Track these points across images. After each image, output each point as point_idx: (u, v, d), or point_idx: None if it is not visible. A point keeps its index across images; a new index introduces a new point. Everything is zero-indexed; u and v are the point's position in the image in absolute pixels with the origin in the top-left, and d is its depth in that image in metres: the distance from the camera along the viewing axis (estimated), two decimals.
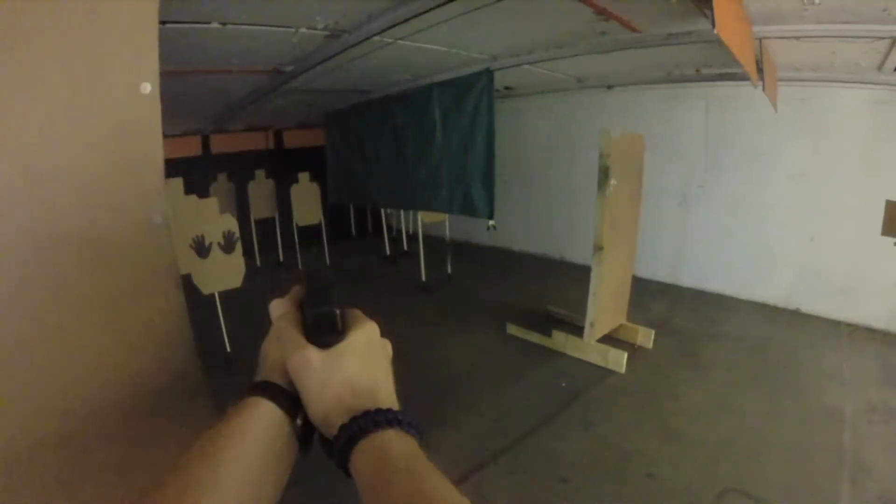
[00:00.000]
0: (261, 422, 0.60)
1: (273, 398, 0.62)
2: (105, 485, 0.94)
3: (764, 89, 4.03)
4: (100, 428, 0.91)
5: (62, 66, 0.83)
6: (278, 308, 0.72)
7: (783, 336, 5.13)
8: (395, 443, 0.57)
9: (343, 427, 0.58)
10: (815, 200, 5.47)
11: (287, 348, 0.65)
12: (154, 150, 0.93)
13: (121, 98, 0.89)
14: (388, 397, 0.65)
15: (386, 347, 0.72)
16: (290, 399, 0.63)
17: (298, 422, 0.64)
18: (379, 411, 0.59)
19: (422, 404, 4.08)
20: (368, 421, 0.58)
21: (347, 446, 0.57)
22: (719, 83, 5.76)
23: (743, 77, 3.90)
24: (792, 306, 5.76)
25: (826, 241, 5.46)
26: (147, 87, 0.91)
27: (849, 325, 5.28)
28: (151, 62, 0.92)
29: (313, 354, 0.63)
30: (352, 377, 0.63)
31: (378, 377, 0.67)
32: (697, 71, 5.65)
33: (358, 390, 0.63)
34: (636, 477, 3.19)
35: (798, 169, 5.52)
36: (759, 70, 3.86)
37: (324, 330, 0.66)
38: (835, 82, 5.07)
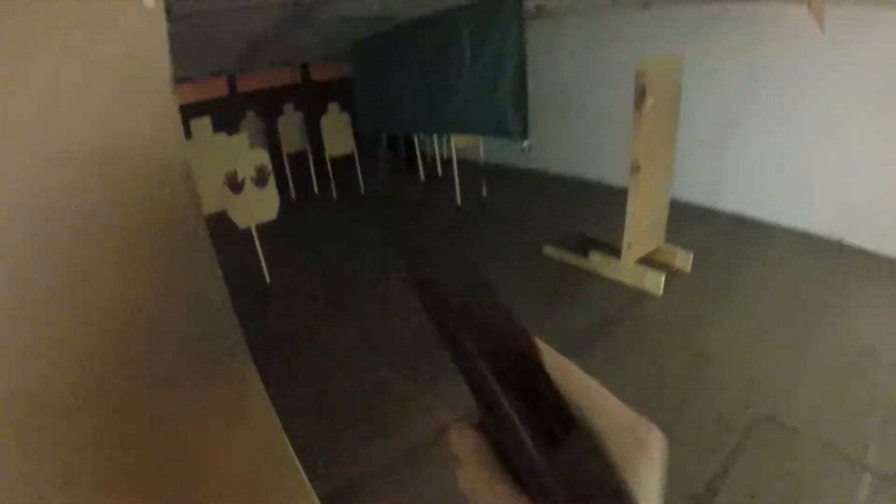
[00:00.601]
0: None
1: None
2: (143, 436, 0.93)
3: (810, 7, 3.79)
4: (132, 375, 0.90)
5: None
6: (461, 442, 0.36)
7: (823, 268, 4.92)
8: None
9: None
10: (859, 129, 5.11)
11: None
12: (162, 62, 0.92)
13: (126, 14, 0.87)
14: None
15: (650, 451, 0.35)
16: None
17: None
18: None
19: None
20: None
21: None
22: (763, 2, 5.39)
23: None
24: (835, 237, 5.48)
25: (871, 172, 5.12)
26: (151, 1, 0.89)
27: (891, 261, 5.02)
28: None
29: None
30: None
31: None
32: None
33: None
34: (669, 404, 3.19)
35: (842, 97, 5.15)
36: None
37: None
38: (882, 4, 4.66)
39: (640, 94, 4.12)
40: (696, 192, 6.58)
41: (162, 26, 0.92)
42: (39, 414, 0.81)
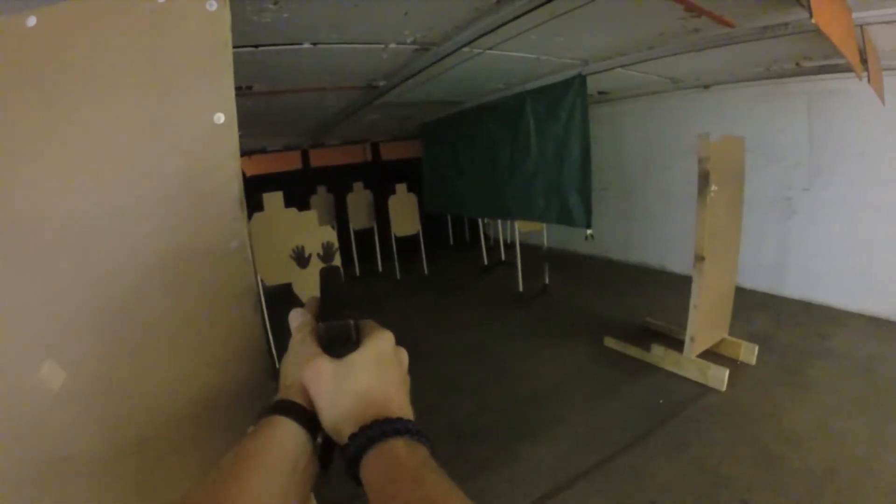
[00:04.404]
0: (283, 441, 0.62)
1: (294, 417, 0.64)
2: (178, 491, 0.99)
3: (869, 80, 3.69)
4: (174, 438, 0.97)
5: (137, 101, 0.89)
6: (296, 318, 0.77)
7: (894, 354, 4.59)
8: (404, 451, 0.57)
9: (352, 437, 0.59)
10: None
11: (301, 359, 0.68)
12: (230, 178, 0.97)
13: (194, 129, 0.94)
14: (399, 407, 0.65)
15: (401, 357, 0.73)
16: (310, 417, 0.65)
17: (319, 440, 0.66)
18: (388, 421, 0.60)
19: (513, 416, 4.07)
20: (377, 430, 0.59)
21: (356, 456, 0.58)
22: (821, 77, 5.27)
23: (846, 69, 3.55)
24: None
25: None
26: (220, 118, 0.94)
27: None
28: (225, 92, 0.95)
29: (325, 365, 0.65)
30: (363, 388, 0.65)
31: (390, 387, 0.67)
32: (797, 64, 5.23)
33: (369, 401, 0.64)
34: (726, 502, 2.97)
35: None
36: (863, 60, 3.54)
37: (338, 341, 0.68)
38: None
39: (704, 180, 4.06)
40: (759, 278, 6.34)
41: (232, 141, 0.97)
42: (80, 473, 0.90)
